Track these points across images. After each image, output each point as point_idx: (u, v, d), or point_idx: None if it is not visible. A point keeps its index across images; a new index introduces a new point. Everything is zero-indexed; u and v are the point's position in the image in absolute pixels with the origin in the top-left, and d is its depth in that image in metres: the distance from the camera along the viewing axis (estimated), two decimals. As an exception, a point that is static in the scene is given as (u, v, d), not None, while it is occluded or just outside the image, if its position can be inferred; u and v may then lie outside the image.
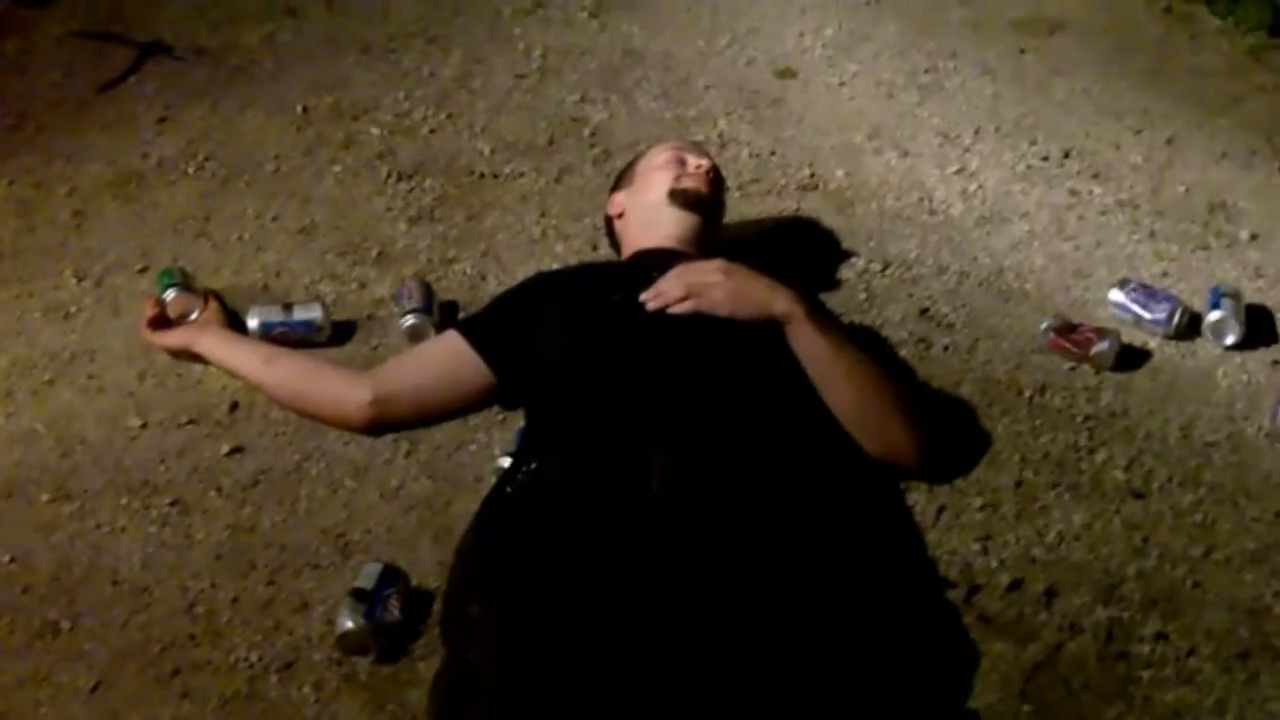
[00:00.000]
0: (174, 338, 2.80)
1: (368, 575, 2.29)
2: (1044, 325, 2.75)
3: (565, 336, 2.50)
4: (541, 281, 2.75)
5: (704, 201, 2.72)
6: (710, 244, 2.70)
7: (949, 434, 2.56)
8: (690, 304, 2.43)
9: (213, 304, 2.84)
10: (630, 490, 2.16)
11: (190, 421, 2.70)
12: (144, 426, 2.70)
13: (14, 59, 3.85)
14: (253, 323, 2.81)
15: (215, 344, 2.75)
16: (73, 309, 2.98)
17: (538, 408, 2.50)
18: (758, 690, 1.92)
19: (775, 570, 2.08)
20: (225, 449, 2.63)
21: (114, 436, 2.69)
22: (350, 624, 2.22)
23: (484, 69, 3.71)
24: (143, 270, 3.06)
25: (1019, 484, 2.49)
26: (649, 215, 2.72)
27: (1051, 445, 2.56)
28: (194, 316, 2.81)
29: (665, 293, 2.45)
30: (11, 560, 2.46)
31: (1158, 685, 2.16)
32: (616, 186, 2.88)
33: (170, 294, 2.84)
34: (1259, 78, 3.64)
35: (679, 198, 2.69)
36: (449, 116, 3.53)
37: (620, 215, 2.80)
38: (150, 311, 2.81)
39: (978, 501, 2.46)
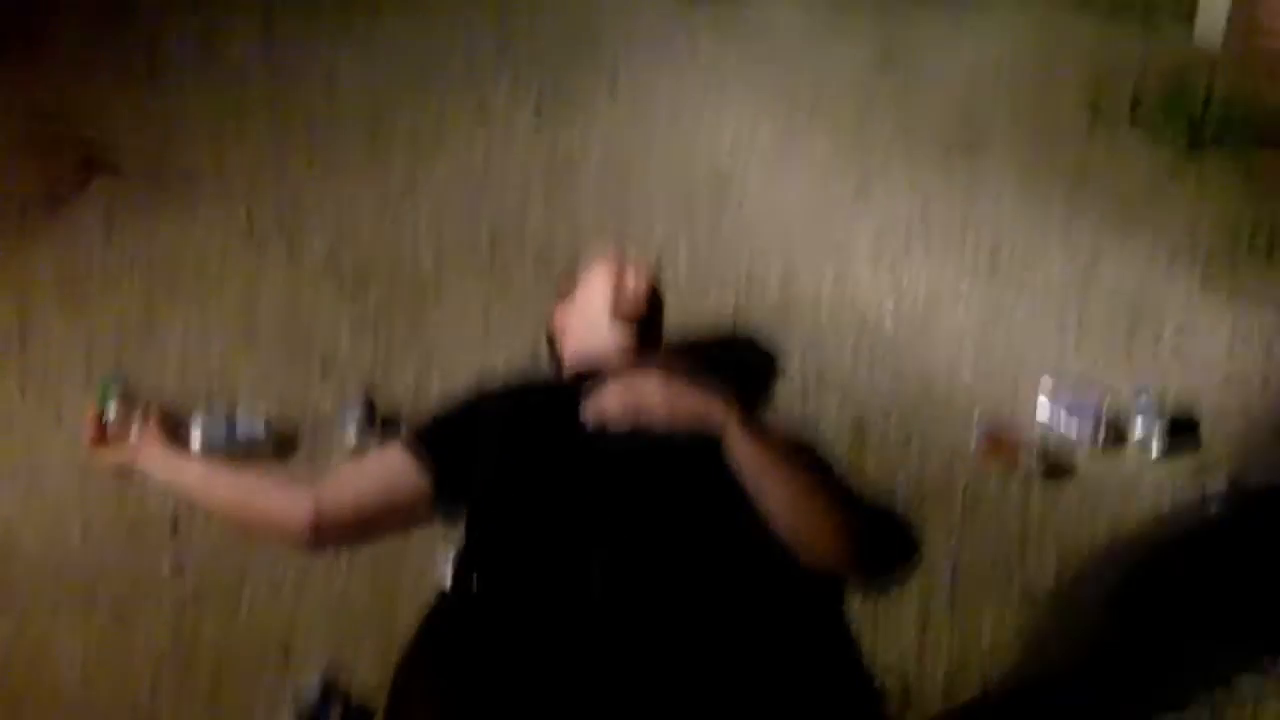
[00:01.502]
0: (116, 454, 2.80)
1: (310, 690, 2.31)
2: (975, 434, 2.81)
3: (504, 450, 2.52)
4: (484, 396, 2.78)
5: (643, 317, 2.76)
6: (649, 356, 2.74)
7: (883, 541, 2.60)
8: (629, 415, 2.47)
9: (152, 419, 2.85)
10: (571, 595, 2.19)
11: (132, 531, 2.72)
12: (85, 536, 2.71)
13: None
14: (196, 436, 2.83)
15: (157, 463, 2.74)
16: (15, 419, 2.99)
17: (477, 520, 2.53)
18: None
19: (715, 673, 2.11)
20: (167, 561, 2.65)
21: (55, 546, 2.70)
22: (291, 736, 2.25)
23: (426, 173, 3.76)
24: (86, 380, 3.07)
25: (951, 591, 2.55)
26: (589, 330, 2.76)
27: (982, 552, 2.63)
28: (133, 431, 2.82)
29: (604, 407, 2.49)
30: (-51, 670, 2.48)
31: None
32: (557, 301, 2.92)
33: (110, 409, 2.85)
34: (1178, 189, 3.75)
35: (619, 313, 2.74)
36: (392, 223, 3.58)
37: (562, 329, 2.85)
38: (92, 429, 2.81)
39: (912, 608, 2.52)
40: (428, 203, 3.67)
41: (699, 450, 2.45)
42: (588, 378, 2.60)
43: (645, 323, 2.76)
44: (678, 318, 3.04)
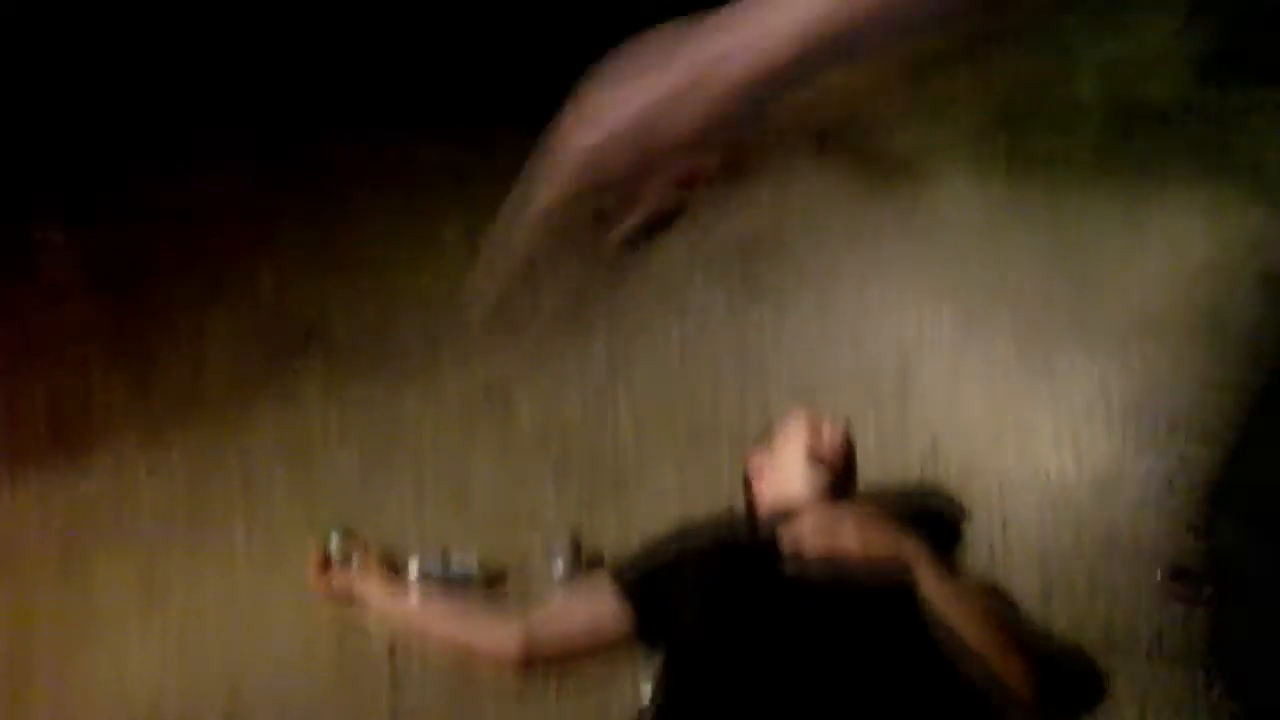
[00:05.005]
0: (338, 585, 2.97)
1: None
2: (1158, 573, 2.87)
3: (703, 589, 2.66)
4: (683, 537, 2.91)
5: (836, 464, 2.89)
6: (841, 502, 2.86)
7: (1071, 680, 2.67)
8: (824, 542, 2.59)
9: (371, 553, 3.01)
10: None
11: (353, 663, 2.86)
12: (309, 669, 2.87)
13: (188, 338, 4.13)
14: (413, 569, 2.99)
15: (376, 591, 2.92)
16: (240, 562, 3.18)
17: (676, 653, 2.64)
18: None
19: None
20: (385, 687, 2.78)
21: (281, 678, 2.85)
22: None
23: (626, 361, 3.94)
24: (308, 532, 3.25)
25: (1140, 724, 2.59)
26: (785, 475, 2.89)
27: (1170, 686, 2.67)
28: (355, 562, 2.99)
29: (801, 534, 2.61)
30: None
31: None
32: (755, 450, 3.06)
33: (334, 540, 3.01)
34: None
35: (814, 461, 2.87)
36: (594, 405, 3.74)
37: (758, 477, 2.98)
38: (316, 558, 2.98)
39: (1101, 748, 2.56)
40: (627, 387, 3.84)
41: (888, 596, 2.55)
42: (783, 517, 2.73)
43: (839, 472, 2.88)
44: (866, 482, 3.16)
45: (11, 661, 2.89)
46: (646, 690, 2.62)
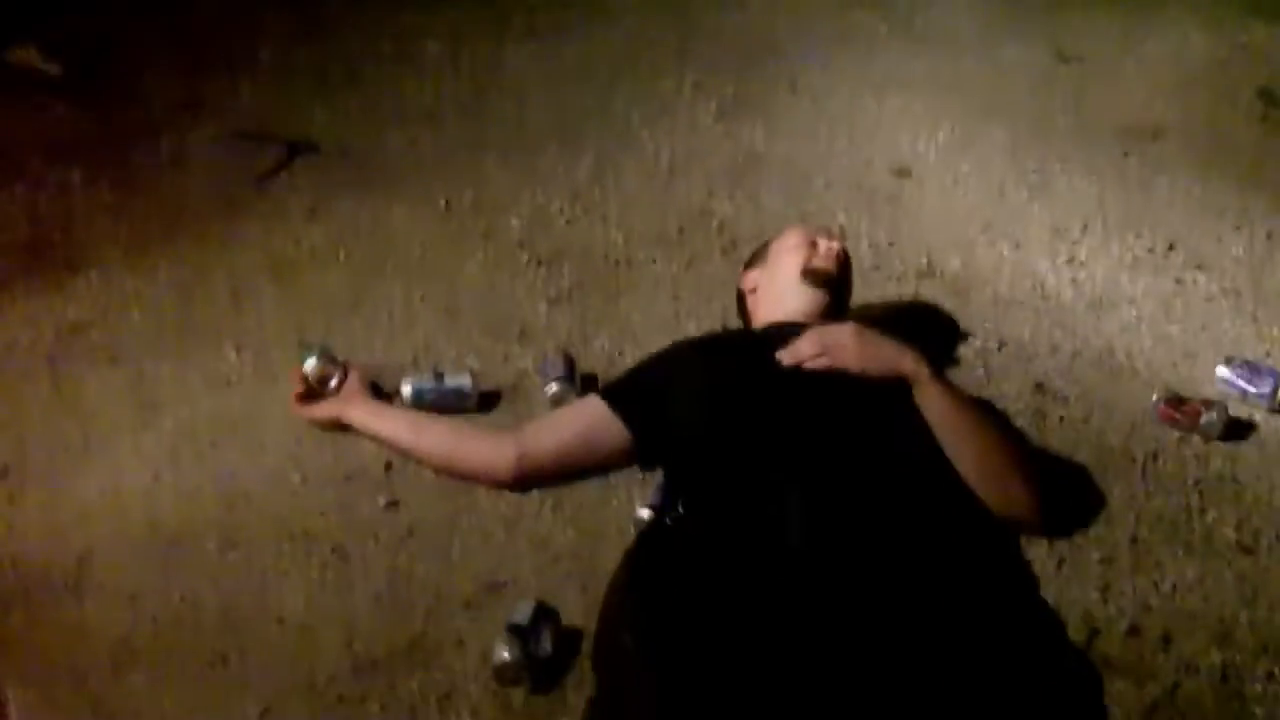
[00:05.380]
0: (323, 410, 2.95)
1: (522, 612, 2.43)
2: (1154, 398, 2.88)
3: (702, 397, 2.66)
4: (678, 348, 2.90)
5: (833, 280, 2.87)
6: (837, 322, 2.84)
7: (1067, 494, 2.69)
8: (824, 360, 2.59)
9: (354, 374, 2.98)
10: (770, 537, 2.30)
11: (347, 479, 2.87)
12: (304, 482, 2.86)
13: (170, 157, 4.08)
14: (406, 389, 2.98)
15: (363, 415, 2.91)
16: (232, 379, 3.16)
17: (676, 465, 2.65)
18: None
19: (906, 612, 2.21)
20: (381, 503, 2.79)
21: (275, 492, 2.85)
22: (507, 656, 2.36)
23: (615, 169, 3.90)
24: (298, 344, 3.23)
25: (1134, 540, 2.62)
26: (781, 291, 2.88)
27: (1164, 506, 2.69)
28: (333, 384, 2.96)
29: (799, 351, 2.61)
30: (181, 600, 2.63)
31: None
32: (750, 265, 3.04)
33: (310, 364, 2.97)
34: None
35: (810, 276, 2.85)
36: (584, 210, 3.73)
37: (753, 291, 2.96)
38: (297, 386, 2.97)
39: (1095, 555, 2.58)
40: (617, 195, 3.81)
41: (886, 399, 2.57)
42: (782, 329, 2.73)
43: (836, 286, 2.87)
44: (859, 300, 3.15)
45: (7, 483, 2.88)
46: (643, 513, 2.61)
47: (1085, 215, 3.62)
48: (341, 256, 3.58)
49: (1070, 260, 3.44)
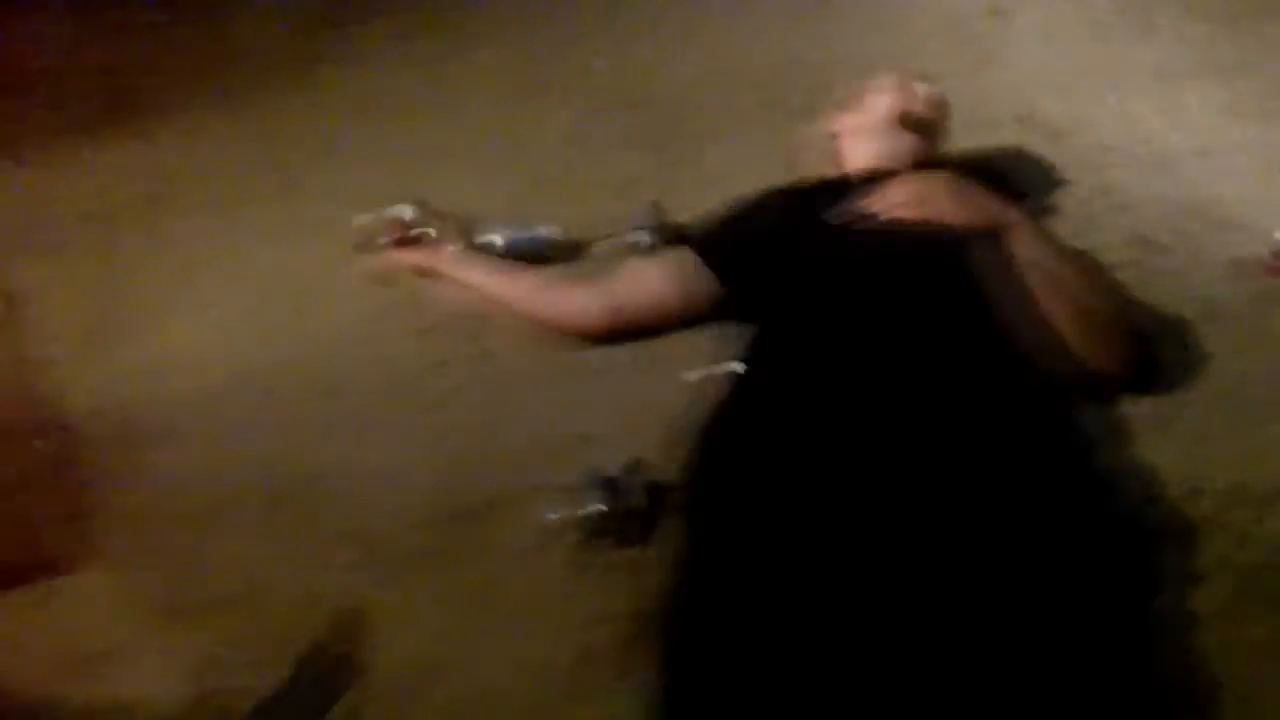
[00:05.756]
0: (416, 257, 2.94)
1: (612, 466, 2.43)
2: (1263, 251, 2.79)
3: (791, 247, 2.61)
4: (769, 195, 2.85)
5: (927, 125, 2.81)
6: (929, 169, 2.77)
7: (1167, 349, 2.62)
8: (918, 211, 2.52)
9: (449, 222, 2.97)
10: (842, 382, 2.30)
11: (435, 331, 2.87)
12: (397, 333, 2.89)
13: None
14: (495, 239, 2.96)
15: (454, 263, 2.90)
16: (324, 232, 3.14)
17: (763, 318, 2.61)
18: (961, 596, 2.02)
19: (984, 480, 2.17)
20: (470, 355, 2.79)
21: (368, 341, 2.90)
22: (596, 507, 2.37)
23: (703, 12, 3.81)
24: (394, 196, 3.20)
25: (1236, 398, 2.55)
26: (873, 135, 2.81)
27: (1269, 364, 2.61)
28: (430, 233, 2.95)
29: (894, 200, 2.55)
30: (274, 453, 2.69)
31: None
32: (840, 108, 2.96)
33: (407, 212, 2.96)
34: None
35: (905, 120, 2.79)
36: (672, 55, 3.65)
37: (843, 135, 2.89)
38: (394, 233, 2.95)
39: (1195, 413, 2.53)
40: (706, 40, 3.72)
41: (964, 256, 2.50)
42: (875, 177, 2.66)
43: (930, 131, 2.80)
44: (955, 144, 3.07)
45: (103, 333, 2.90)
46: (731, 366, 2.58)
47: (1191, 58, 3.49)
48: (429, 104, 3.54)
49: (1174, 106, 3.33)
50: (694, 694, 2.03)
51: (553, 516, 2.45)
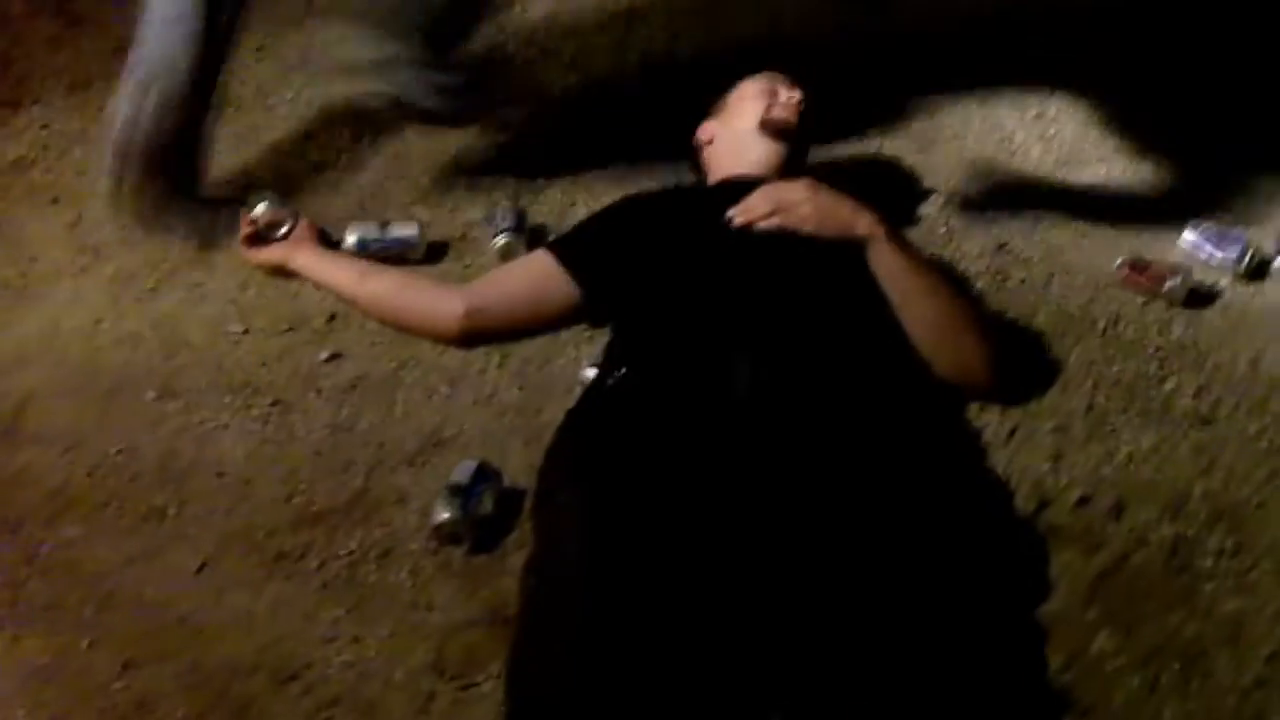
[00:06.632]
0: (270, 254, 2.89)
1: (463, 471, 2.40)
2: (1118, 261, 2.82)
3: (652, 252, 2.60)
4: (629, 202, 2.84)
5: (792, 132, 2.80)
6: (795, 176, 2.77)
7: (1022, 359, 2.63)
8: (776, 219, 2.52)
9: (303, 220, 2.92)
10: (715, 396, 2.25)
11: (290, 329, 2.83)
12: (246, 332, 2.83)
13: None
14: (351, 238, 2.92)
15: (310, 260, 2.85)
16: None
17: (624, 322, 2.59)
18: (827, 575, 2.01)
19: (850, 473, 2.16)
20: (324, 355, 2.75)
21: (217, 340, 2.82)
22: (446, 515, 2.33)
23: (573, 7, 3.78)
24: (245, 188, 3.16)
25: (1090, 408, 2.56)
26: (738, 143, 2.80)
27: (1123, 373, 2.63)
28: (283, 230, 2.89)
29: (752, 209, 2.54)
30: (119, 452, 2.60)
31: (1220, 595, 2.22)
32: (707, 114, 2.96)
33: (260, 208, 2.91)
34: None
35: (768, 127, 2.78)
36: (540, 53, 3.62)
37: (709, 142, 2.88)
38: (245, 229, 2.90)
39: (1049, 423, 2.53)
40: (574, 36, 3.69)
41: (839, 260, 2.51)
42: (736, 186, 2.66)
43: (795, 139, 2.79)
44: (822, 150, 3.06)
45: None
46: (589, 373, 2.56)
47: (1058, 69, 3.52)
48: (289, 96, 3.49)
49: (1039, 115, 3.36)
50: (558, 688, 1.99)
51: (404, 523, 2.40)
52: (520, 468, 2.47)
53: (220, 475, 2.54)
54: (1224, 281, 2.84)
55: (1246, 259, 2.82)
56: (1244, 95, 3.35)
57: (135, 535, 2.44)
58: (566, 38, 3.68)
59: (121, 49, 3.53)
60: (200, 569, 2.37)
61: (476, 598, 2.29)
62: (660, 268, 2.56)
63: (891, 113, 3.38)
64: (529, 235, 2.94)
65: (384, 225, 2.95)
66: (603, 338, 2.66)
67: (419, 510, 2.42)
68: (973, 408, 2.56)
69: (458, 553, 2.35)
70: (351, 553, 2.37)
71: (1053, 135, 3.29)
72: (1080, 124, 3.33)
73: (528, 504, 2.36)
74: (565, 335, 2.74)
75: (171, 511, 2.48)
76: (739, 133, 2.81)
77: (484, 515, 2.36)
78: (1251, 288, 2.84)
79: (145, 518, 2.47)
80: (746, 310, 2.42)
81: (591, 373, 2.57)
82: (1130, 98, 3.40)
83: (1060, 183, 3.15)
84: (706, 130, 2.90)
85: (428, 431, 2.58)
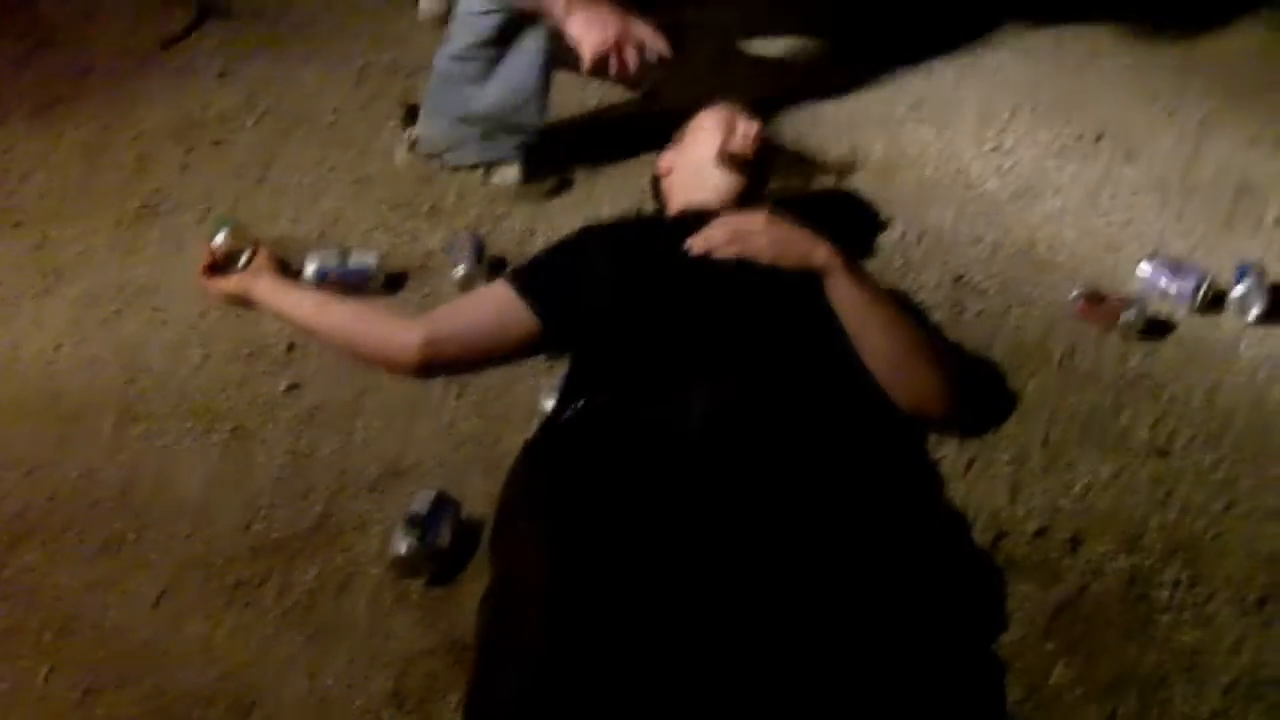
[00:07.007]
0: (229, 285, 2.88)
1: (422, 501, 2.39)
2: (1074, 293, 2.84)
3: (610, 283, 2.60)
4: (588, 233, 2.84)
5: (750, 164, 2.81)
6: (753, 206, 2.78)
7: (980, 391, 2.65)
8: (734, 249, 2.53)
9: (263, 250, 2.91)
10: (671, 427, 2.25)
11: (250, 354, 2.81)
12: (206, 358, 2.81)
13: (80, 14, 3.98)
14: (310, 268, 2.91)
15: (269, 291, 2.84)
16: (137, 247, 3.11)
17: (582, 353, 2.60)
18: (785, 606, 2.01)
19: (806, 505, 2.15)
20: (284, 384, 2.74)
21: (178, 366, 2.80)
22: (405, 547, 2.33)
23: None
24: (205, 213, 3.17)
25: (1047, 440, 2.58)
26: (696, 174, 2.81)
27: (1079, 405, 2.65)
28: (242, 261, 2.88)
29: (710, 238, 2.55)
30: (79, 477, 2.58)
31: (1177, 626, 2.25)
32: (666, 146, 2.97)
33: (219, 239, 2.90)
34: (1287, 67, 3.73)
35: (727, 159, 2.79)
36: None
37: (668, 173, 2.90)
38: (204, 260, 2.89)
39: (1006, 455, 2.55)
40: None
41: (797, 291, 2.52)
42: (694, 217, 2.67)
43: (753, 170, 2.80)
44: (782, 180, 3.08)
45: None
46: (547, 403, 2.57)
47: (1014, 99, 3.57)
48: (250, 122, 3.51)
49: (996, 147, 3.39)
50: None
51: (363, 551, 2.40)
52: (479, 497, 2.46)
53: (180, 502, 2.52)
54: (1180, 313, 2.87)
55: (1202, 291, 2.85)
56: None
57: (95, 562, 2.42)
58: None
59: (88, 71, 3.56)
60: (160, 596, 2.35)
61: (435, 628, 2.28)
62: (618, 298, 2.56)
63: (849, 143, 3.40)
64: (488, 265, 2.94)
65: (344, 254, 2.95)
66: (561, 368, 2.66)
67: (378, 538, 2.41)
68: (931, 438, 2.58)
69: (416, 585, 2.34)
70: (310, 581, 2.36)
71: (1009, 168, 3.32)
72: (1036, 156, 3.36)
73: (486, 534, 2.35)
74: (524, 365, 2.74)
75: (131, 538, 2.45)
76: (697, 163, 2.81)
77: (442, 547, 2.35)
78: (1207, 319, 2.87)
79: (105, 544, 2.44)
80: (704, 341, 2.42)
81: (550, 403, 2.57)
82: (1086, 130, 3.43)
83: (1016, 214, 3.17)
84: (665, 160, 2.92)
85: (387, 460, 2.57)
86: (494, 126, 3.17)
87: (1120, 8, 3.94)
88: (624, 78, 3.01)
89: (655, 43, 2.93)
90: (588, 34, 2.91)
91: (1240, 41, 3.83)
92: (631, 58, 2.92)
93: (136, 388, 2.76)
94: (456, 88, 3.16)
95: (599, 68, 2.96)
